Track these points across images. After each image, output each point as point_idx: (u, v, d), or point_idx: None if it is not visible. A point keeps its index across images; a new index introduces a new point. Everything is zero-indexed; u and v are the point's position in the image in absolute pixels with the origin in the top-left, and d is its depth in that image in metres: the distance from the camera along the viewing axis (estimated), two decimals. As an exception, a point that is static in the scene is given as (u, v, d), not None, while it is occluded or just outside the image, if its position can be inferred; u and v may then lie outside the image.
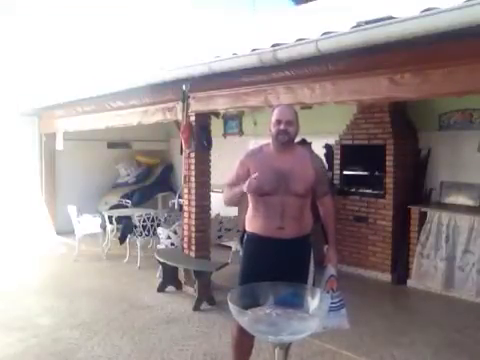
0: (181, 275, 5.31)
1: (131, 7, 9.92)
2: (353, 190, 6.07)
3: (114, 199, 8.57)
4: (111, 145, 9.29)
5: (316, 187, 2.77)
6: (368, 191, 5.91)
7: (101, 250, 6.88)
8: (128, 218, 6.58)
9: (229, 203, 2.88)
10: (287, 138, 2.68)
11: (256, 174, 2.55)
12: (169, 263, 5.10)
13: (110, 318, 4.49)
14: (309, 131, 5.26)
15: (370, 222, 5.86)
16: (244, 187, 2.60)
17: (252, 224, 2.76)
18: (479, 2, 2.46)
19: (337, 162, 6.21)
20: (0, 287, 5.58)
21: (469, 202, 5.42)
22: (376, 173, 5.80)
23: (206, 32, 7.83)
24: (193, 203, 5.22)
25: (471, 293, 4.96)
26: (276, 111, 2.74)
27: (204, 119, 5.25)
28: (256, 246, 2.75)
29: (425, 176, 5.81)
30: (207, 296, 4.76)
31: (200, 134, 5.17)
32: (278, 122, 2.68)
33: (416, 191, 5.77)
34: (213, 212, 5.55)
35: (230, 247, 6.49)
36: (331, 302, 2.59)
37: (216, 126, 6.31)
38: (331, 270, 2.75)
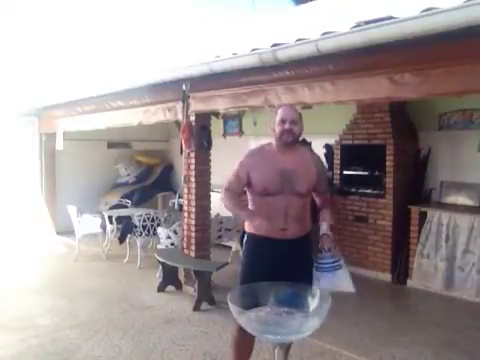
0: (181, 275, 5.32)
1: (131, 7, 9.92)
2: (353, 190, 6.06)
3: (114, 199, 8.57)
4: (111, 145, 9.29)
5: (317, 186, 2.77)
6: (368, 191, 5.91)
7: (101, 250, 6.88)
8: (128, 218, 6.57)
9: (224, 205, 2.86)
10: (291, 138, 2.67)
11: (262, 220, 2.59)
12: (169, 263, 5.10)
13: (110, 318, 4.49)
14: (309, 131, 5.22)
15: (370, 222, 5.85)
16: (247, 218, 2.64)
17: (253, 224, 2.76)
18: (479, 2, 2.46)
19: (337, 162, 6.21)
20: (0, 287, 5.58)
21: (469, 202, 5.41)
22: (376, 173, 5.80)
23: (206, 32, 7.83)
24: (193, 203, 5.22)
25: (471, 293, 4.96)
26: (280, 111, 2.73)
27: (204, 119, 5.25)
28: (257, 247, 2.74)
29: (425, 176, 5.81)
30: (207, 296, 4.76)
31: (200, 134, 5.17)
32: (283, 122, 2.67)
33: (416, 191, 5.77)
34: (213, 212, 5.55)
35: (230, 247, 6.49)
36: (325, 262, 2.56)
37: (216, 126, 6.32)
38: (324, 228, 2.71)
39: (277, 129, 2.68)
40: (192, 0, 10.25)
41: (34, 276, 6.07)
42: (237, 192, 2.81)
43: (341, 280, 2.68)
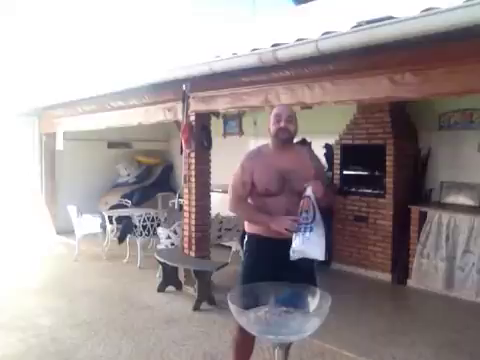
0: (181, 275, 5.31)
1: (131, 7, 9.93)
2: (353, 190, 6.06)
3: (114, 199, 8.56)
4: (111, 145, 9.29)
5: None
6: (368, 191, 5.91)
7: (101, 250, 6.88)
8: (128, 218, 6.57)
9: (238, 215, 2.82)
10: (287, 135, 2.67)
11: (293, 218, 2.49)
12: (169, 263, 5.10)
13: (110, 318, 4.49)
14: (309, 131, 5.28)
15: (370, 222, 5.85)
16: (272, 223, 2.56)
17: (254, 225, 2.75)
18: (479, 2, 2.46)
19: (337, 162, 6.20)
20: (0, 287, 5.58)
21: (469, 202, 5.41)
22: (376, 173, 5.80)
23: (206, 32, 7.84)
24: (193, 203, 5.22)
25: (471, 293, 4.96)
26: (275, 109, 2.76)
27: (204, 119, 5.25)
28: (259, 247, 2.74)
29: (425, 176, 5.81)
30: (207, 296, 4.76)
31: (200, 134, 5.17)
32: (278, 118, 2.67)
33: (416, 191, 5.77)
34: (213, 212, 5.55)
35: (230, 247, 6.48)
36: (300, 222, 2.50)
37: (216, 126, 6.32)
38: (308, 191, 2.56)
39: (272, 128, 2.69)
40: (192, 0, 10.25)
41: (34, 276, 6.07)
42: (244, 198, 2.76)
43: (310, 244, 2.47)
